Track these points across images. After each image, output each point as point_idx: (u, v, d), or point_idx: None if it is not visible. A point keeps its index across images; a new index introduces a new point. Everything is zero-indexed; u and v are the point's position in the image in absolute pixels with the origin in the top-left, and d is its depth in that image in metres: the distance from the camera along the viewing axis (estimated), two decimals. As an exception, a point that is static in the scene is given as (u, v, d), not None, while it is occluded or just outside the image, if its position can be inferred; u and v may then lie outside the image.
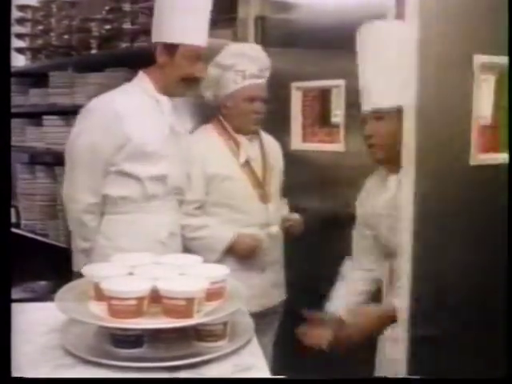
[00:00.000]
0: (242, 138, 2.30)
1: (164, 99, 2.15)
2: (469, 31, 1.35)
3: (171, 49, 2.08)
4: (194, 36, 2.09)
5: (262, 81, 2.32)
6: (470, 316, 1.37)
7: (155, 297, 1.27)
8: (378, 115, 1.80)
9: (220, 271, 1.38)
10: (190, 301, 1.23)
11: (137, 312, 1.24)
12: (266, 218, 2.30)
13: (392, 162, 1.78)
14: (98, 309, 1.29)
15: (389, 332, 1.88)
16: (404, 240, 1.36)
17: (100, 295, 1.29)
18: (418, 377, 1.56)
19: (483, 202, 1.37)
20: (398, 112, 1.71)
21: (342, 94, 2.51)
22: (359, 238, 1.97)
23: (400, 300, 1.40)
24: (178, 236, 2.23)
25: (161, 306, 1.26)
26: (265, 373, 1.21)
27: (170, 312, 1.24)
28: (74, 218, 2.17)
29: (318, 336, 1.81)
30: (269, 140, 2.43)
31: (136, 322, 1.23)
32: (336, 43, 2.45)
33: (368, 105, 1.84)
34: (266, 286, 2.32)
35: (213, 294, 1.31)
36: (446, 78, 1.36)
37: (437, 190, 1.35)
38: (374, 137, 1.82)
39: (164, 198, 2.17)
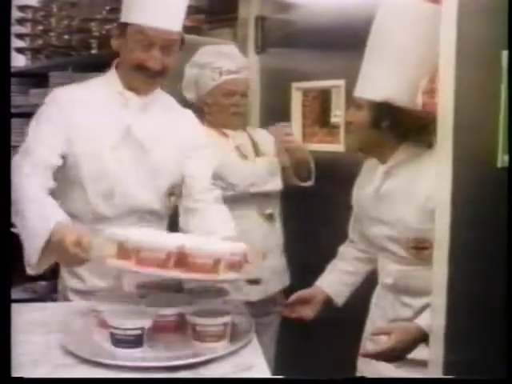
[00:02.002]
0: (229, 132, 2.34)
1: (130, 96, 1.81)
2: (499, 26, 1.31)
3: (122, 29, 1.76)
4: (145, 15, 1.72)
5: (240, 75, 2.33)
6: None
7: (182, 257, 1.27)
8: (360, 103, 1.74)
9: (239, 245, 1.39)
10: (216, 261, 1.25)
11: (164, 265, 1.25)
12: None
13: (373, 154, 1.79)
14: (121, 263, 1.31)
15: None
16: (440, 246, 1.33)
17: (124, 253, 1.29)
18: (416, 377, 1.56)
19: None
20: (378, 106, 1.71)
21: (341, 94, 2.50)
22: (354, 219, 1.98)
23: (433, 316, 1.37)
24: None
25: (188, 266, 1.27)
26: (265, 373, 1.21)
27: (197, 270, 1.26)
28: None
29: (301, 310, 1.89)
30: (261, 133, 2.47)
31: (164, 272, 1.27)
32: (336, 43, 2.45)
33: (356, 91, 1.78)
34: (267, 274, 2.32)
35: (233, 264, 1.31)
36: (479, 77, 1.34)
37: (472, 194, 1.33)
38: (353, 124, 1.78)
39: (119, 220, 1.77)
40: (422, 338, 1.51)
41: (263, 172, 2.31)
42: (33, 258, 1.55)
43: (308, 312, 1.90)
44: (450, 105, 1.32)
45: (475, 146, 1.35)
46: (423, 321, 1.53)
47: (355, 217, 1.96)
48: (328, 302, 1.93)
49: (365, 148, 1.80)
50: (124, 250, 1.29)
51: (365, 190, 1.84)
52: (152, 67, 1.74)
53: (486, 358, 1.30)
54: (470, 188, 1.34)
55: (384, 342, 1.56)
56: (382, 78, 1.69)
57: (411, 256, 1.70)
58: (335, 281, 1.96)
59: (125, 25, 1.75)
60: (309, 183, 2.43)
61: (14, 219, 1.61)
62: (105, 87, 1.83)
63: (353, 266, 1.99)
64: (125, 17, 1.76)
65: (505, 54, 1.33)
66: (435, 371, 1.34)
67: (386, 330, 1.59)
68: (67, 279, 1.85)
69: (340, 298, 1.95)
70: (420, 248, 1.67)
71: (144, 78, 1.77)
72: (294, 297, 1.93)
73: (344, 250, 2.02)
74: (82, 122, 1.75)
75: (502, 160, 1.36)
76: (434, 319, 1.37)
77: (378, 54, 1.71)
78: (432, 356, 1.36)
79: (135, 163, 1.79)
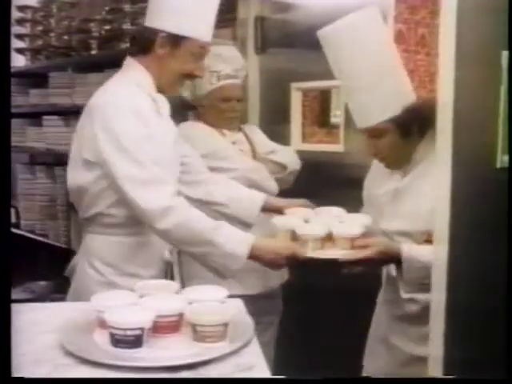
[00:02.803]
0: (225, 131, 2.37)
1: (162, 99, 1.89)
2: (498, 26, 1.32)
3: (176, 40, 1.82)
4: (204, 31, 1.85)
5: (237, 81, 2.36)
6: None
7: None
8: (374, 133, 1.75)
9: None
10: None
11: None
12: None
13: (405, 164, 1.80)
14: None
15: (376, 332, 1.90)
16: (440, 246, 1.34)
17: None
18: (417, 377, 1.56)
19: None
20: (393, 122, 1.72)
21: (341, 94, 2.51)
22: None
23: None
24: (175, 250, 2.01)
25: None
26: (265, 373, 1.20)
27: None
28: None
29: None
30: (256, 131, 2.51)
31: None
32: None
33: (360, 123, 1.77)
34: (266, 268, 2.33)
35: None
36: (479, 77, 1.34)
37: (471, 194, 1.33)
38: (379, 153, 1.79)
39: None
40: (397, 260, 1.66)
41: (262, 169, 2.32)
42: (237, 266, 1.75)
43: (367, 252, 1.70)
44: (449, 105, 1.32)
45: (475, 146, 1.36)
46: (405, 248, 1.65)
47: (366, 213, 1.96)
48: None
49: (399, 165, 1.80)
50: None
51: (381, 189, 1.84)
52: (200, 75, 1.93)
53: (486, 358, 1.31)
54: (470, 188, 1.34)
55: (365, 252, 1.66)
56: (388, 92, 1.70)
57: None
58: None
59: (178, 37, 1.81)
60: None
61: (195, 249, 1.76)
62: (138, 90, 1.83)
63: None
64: (179, 30, 1.81)
65: (505, 54, 1.33)
66: (435, 371, 1.34)
67: (372, 242, 1.69)
68: (119, 281, 1.80)
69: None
70: (432, 241, 1.69)
71: (182, 82, 1.94)
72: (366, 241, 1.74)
73: None
74: (149, 128, 1.79)
75: (501, 160, 1.37)
76: (433, 319, 1.37)
77: (362, 76, 1.71)
78: (432, 355, 1.37)
79: (176, 156, 1.93)
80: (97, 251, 1.86)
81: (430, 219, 1.66)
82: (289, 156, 2.43)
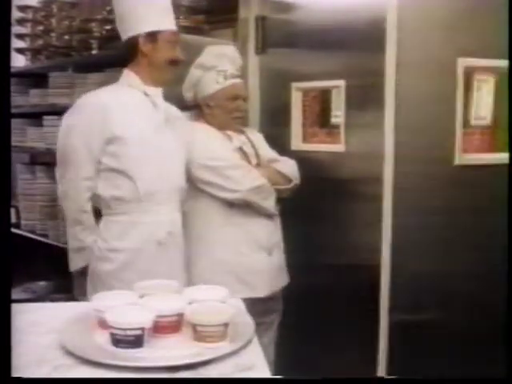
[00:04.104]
0: (230, 133, 2.37)
1: (154, 90, 2.15)
2: (452, 36, 1.36)
3: (152, 37, 2.11)
4: (170, 21, 2.16)
5: (241, 80, 2.40)
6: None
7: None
8: None
9: None
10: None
11: None
12: None
13: None
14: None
15: None
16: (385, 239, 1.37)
17: None
18: (417, 377, 1.57)
19: (467, 200, 1.38)
20: None
21: (342, 95, 2.51)
22: None
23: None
24: (178, 235, 2.18)
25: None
26: (265, 373, 1.20)
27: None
28: (71, 217, 2.13)
29: None
30: (256, 134, 2.53)
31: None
32: (336, 43, 2.46)
33: None
34: (273, 269, 2.36)
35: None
36: (427, 84, 1.38)
37: (417, 189, 1.38)
38: None
39: (162, 196, 2.11)
40: None
41: (264, 187, 2.31)
42: None
43: None
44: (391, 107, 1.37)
45: (432, 146, 1.42)
46: None
47: None
48: None
49: None
50: None
51: None
52: (182, 59, 2.17)
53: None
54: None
55: None
56: None
57: None
58: None
59: (155, 32, 2.11)
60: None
61: None
62: (127, 87, 2.15)
63: None
64: (153, 26, 2.11)
65: (460, 61, 1.40)
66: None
67: None
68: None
69: None
70: None
71: (172, 69, 2.16)
72: None
73: None
74: (122, 118, 2.07)
75: (459, 158, 1.41)
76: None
77: None
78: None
79: (175, 141, 2.18)
80: (100, 230, 2.12)
81: None
82: (293, 168, 2.41)
